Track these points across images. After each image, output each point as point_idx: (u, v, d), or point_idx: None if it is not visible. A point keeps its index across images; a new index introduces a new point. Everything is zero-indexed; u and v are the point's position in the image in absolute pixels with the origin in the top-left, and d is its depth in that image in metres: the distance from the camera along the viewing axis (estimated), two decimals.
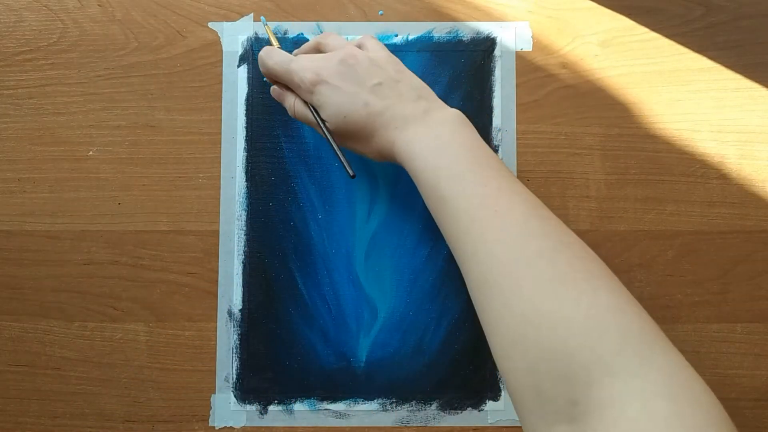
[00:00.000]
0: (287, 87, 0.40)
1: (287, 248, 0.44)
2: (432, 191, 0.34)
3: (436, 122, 0.36)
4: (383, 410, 0.43)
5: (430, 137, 0.35)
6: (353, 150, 0.39)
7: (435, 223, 0.44)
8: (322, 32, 0.45)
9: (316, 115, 0.38)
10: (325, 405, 0.43)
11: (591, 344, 0.26)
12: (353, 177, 0.37)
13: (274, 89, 0.41)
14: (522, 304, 0.29)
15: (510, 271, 0.30)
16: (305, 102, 0.39)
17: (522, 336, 0.29)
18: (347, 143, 0.39)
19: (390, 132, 0.36)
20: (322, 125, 0.38)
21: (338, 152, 0.37)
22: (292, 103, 0.40)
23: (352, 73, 0.37)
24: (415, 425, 0.43)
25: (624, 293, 0.29)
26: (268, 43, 0.45)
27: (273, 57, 0.39)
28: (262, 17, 0.44)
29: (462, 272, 0.34)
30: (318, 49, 0.41)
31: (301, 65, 0.37)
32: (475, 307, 0.33)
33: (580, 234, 0.33)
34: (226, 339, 0.44)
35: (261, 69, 0.40)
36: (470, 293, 0.33)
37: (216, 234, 0.44)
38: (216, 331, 0.44)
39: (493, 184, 0.33)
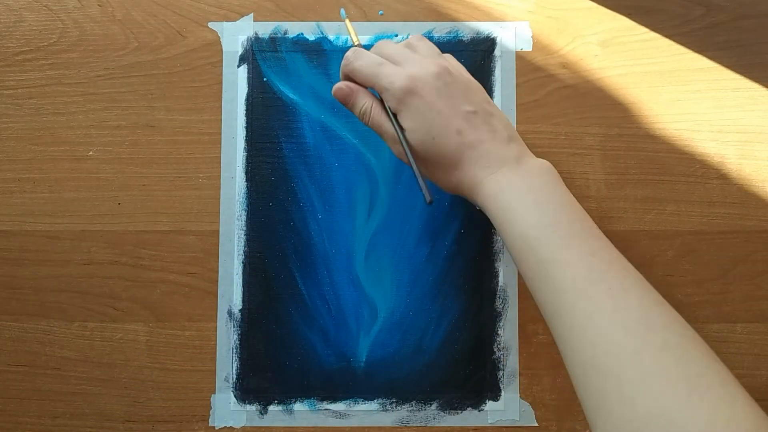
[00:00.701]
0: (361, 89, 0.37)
1: (287, 248, 0.44)
2: (526, 250, 0.31)
3: (531, 172, 0.33)
4: (383, 410, 0.43)
5: (524, 188, 0.32)
6: (425, 173, 0.36)
7: (435, 223, 0.44)
8: (322, 32, 0.45)
9: (397, 126, 0.35)
10: (325, 405, 0.43)
11: None
12: (431, 203, 0.34)
13: (341, 88, 0.37)
14: (646, 402, 0.26)
15: (632, 361, 0.27)
16: (386, 110, 0.36)
17: None
18: (423, 165, 0.36)
19: (479, 170, 0.34)
20: (403, 139, 0.35)
21: (417, 173, 0.34)
22: (369, 107, 0.36)
23: (449, 93, 0.34)
24: (415, 425, 0.43)
25: (756, 404, 0.26)
26: (269, 44, 0.45)
27: (362, 57, 0.36)
28: (342, 10, 0.42)
29: (560, 348, 0.31)
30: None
31: (393, 70, 0.34)
32: (577, 388, 0.30)
33: None
34: (226, 339, 0.44)
35: (343, 68, 0.37)
36: (571, 371, 0.30)
37: (216, 234, 0.44)
38: (216, 331, 0.44)
39: (601, 256, 0.30)
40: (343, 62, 0.37)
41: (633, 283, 0.30)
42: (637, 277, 0.30)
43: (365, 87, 0.37)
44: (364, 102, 0.36)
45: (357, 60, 0.36)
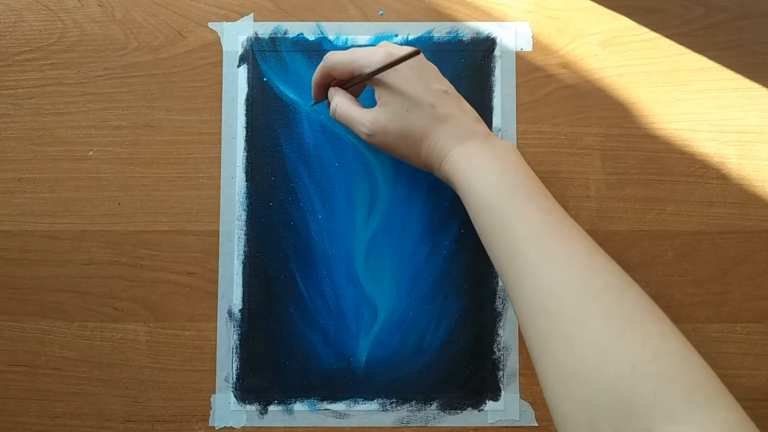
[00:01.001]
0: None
1: (287, 248, 0.44)
2: (487, 206, 0.34)
3: (497, 146, 0.36)
4: (383, 410, 0.43)
5: (491, 156, 0.35)
6: (396, 150, 0.38)
7: (435, 223, 0.44)
8: (322, 32, 0.45)
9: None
10: (325, 405, 0.43)
11: (655, 389, 0.26)
12: (419, 52, 0.34)
13: (329, 106, 0.41)
14: (586, 337, 0.28)
15: (575, 302, 0.29)
16: (353, 102, 0.39)
17: (582, 369, 0.28)
18: (396, 143, 0.37)
19: (449, 140, 0.36)
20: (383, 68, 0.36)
21: (398, 57, 0.35)
22: (338, 100, 0.39)
23: (422, 71, 0.37)
24: (415, 425, 0.43)
25: (688, 343, 0.28)
26: (269, 44, 0.45)
27: (337, 52, 0.38)
28: None
29: (511, 295, 0.33)
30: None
31: (370, 50, 0.37)
32: (524, 332, 0.32)
33: None
34: (226, 339, 0.44)
35: (323, 66, 0.39)
36: (520, 317, 0.33)
37: (216, 234, 0.44)
38: (216, 331, 0.44)
39: (554, 215, 0.33)
40: (320, 64, 0.39)
41: (581, 237, 0.32)
42: (586, 235, 0.33)
43: (344, 78, 0.39)
44: (336, 99, 0.39)
45: (334, 55, 0.38)
